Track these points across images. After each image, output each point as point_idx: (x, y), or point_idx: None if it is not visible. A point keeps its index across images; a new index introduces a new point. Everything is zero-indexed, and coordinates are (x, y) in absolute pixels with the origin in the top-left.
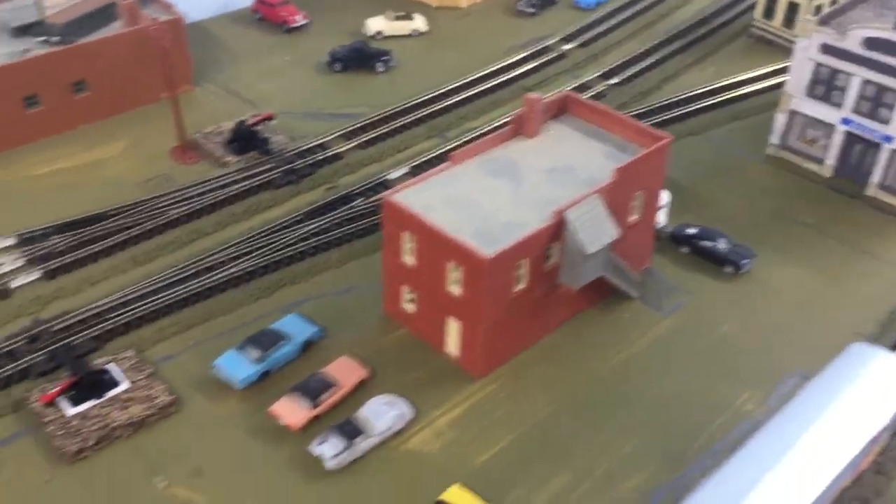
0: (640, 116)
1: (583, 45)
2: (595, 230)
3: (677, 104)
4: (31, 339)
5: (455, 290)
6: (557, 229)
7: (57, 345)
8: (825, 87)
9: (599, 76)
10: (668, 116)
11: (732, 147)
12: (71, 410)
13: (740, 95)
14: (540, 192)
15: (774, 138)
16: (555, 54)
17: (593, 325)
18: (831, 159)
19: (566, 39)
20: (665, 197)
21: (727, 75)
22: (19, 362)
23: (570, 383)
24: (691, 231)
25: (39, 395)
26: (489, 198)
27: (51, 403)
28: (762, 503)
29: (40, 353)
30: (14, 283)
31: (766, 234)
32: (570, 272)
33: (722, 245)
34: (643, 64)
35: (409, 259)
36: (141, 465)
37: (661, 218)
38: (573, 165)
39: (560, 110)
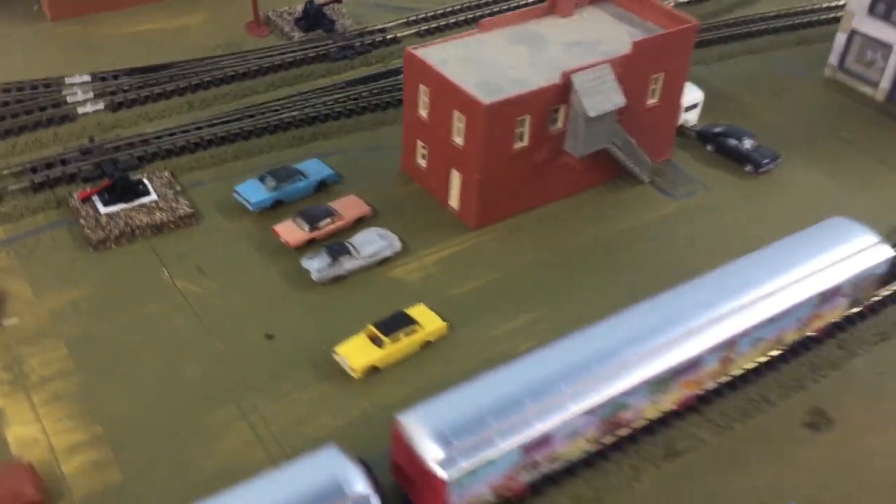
0: (704, 32)
1: None
2: (600, 96)
3: (744, 23)
4: (84, 151)
5: (458, 140)
6: (563, 91)
7: (104, 157)
8: (886, 4)
9: None
10: (728, 34)
11: (790, 68)
12: (103, 209)
13: (809, 22)
14: (557, 61)
15: (833, 59)
16: None
17: (598, 199)
18: (886, 83)
19: None
20: (698, 96)
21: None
22: (68, 166)
23: (563, 245)
24: (718, 129)
25: (78, 193)
26: (506, 60)
27: (87, 200)
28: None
29: (88, 162)
30: (81, 110)
31: (800, 144)
32: (574, 138)
33: (746, 144)
34: None
35: (423, 112)
36: (152, 260)
37: (692, 117)
38: (596, 41)
39: None
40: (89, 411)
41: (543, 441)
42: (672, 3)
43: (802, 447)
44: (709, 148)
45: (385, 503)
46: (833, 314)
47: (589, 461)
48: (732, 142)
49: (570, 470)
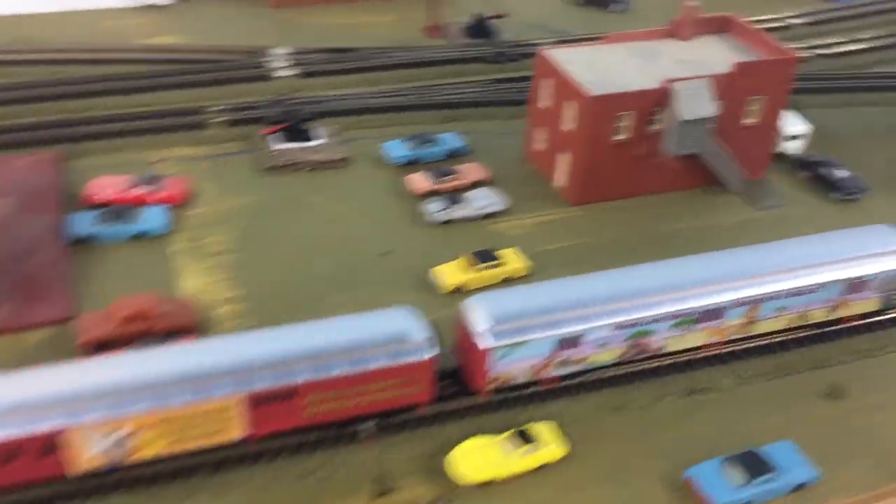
0: (834, 79)
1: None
2: (695, 103)
3: (876, 77)
4: (272, 103)
5: (568, 126)
6: (663, 96)
7: (286, 108)
8: None
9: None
10: (852, 85)
11: None
12: (277, 144)
13: None
14: (665, 73)
15: None
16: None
17: (688, 199)
18: None
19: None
20: (803, 128)
21: None
22: (257, 111)
23: (643, 229)
24: (814, 158)
25: (261, 129)
26: (621, 67)
27: (267, 136)
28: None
29: (274, 110)
30: (276, 74)
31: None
32: (668, 139)
33: (838, 173)
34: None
35: (544, 103)
36: (302, 187)
37: (795, 146)
38: (704, 62)
39: (721, 29)
40: (240, 278)
41: (573, 341)
42: (809, 52)
43: (815, 409)
44: (804, 174)
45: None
46: (863, 305)
47: (616, 380)
48: (825, 170)
49: (599, 384)
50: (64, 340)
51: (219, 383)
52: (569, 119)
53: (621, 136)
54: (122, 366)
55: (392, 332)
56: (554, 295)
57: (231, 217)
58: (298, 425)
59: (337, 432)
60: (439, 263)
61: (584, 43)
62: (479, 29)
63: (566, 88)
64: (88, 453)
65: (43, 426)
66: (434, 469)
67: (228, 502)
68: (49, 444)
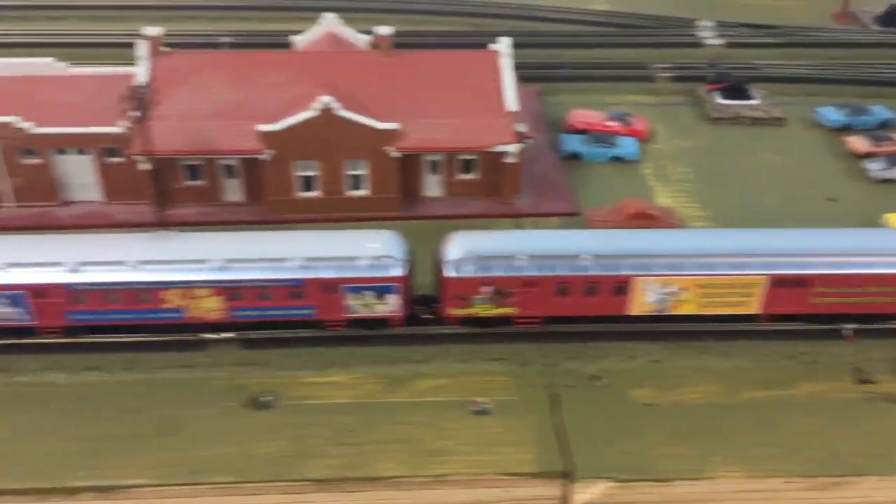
0: None
1: None
2: None
3: None
4: (709, 65)
5: None
6: None
7: (721, 70)
8: None
9: None
10: None
11: None
12: (721, 100)
13: None
14: None
15: None
16: None
17: None
18: None
19: None
20: None
21: None
22: (697, 71)
23: None
24: None
25: (705, 86)
26: None
27: (711, 92)
28: None
29: (711, 71)
30: (706, 42)
31: None
32: None
33: None
34: None
35: None
36: (744, 137)
37: None
38: None
39: None
40: (702, 202)
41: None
42: None
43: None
44: None
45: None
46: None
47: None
48: None
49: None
50: (574, 226)
51: (751, 263)
52: None
53: None
54: (674, 239)
55: (887, 247)
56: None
57: (684, 154)
58: (800, 312)
59: (822, 327)
60: (884, 214)
61: None
62: (893, 17)
63: None
64: (644, 299)
65: (620, 272)
66: None
67: (732, 363)
68: (621, 286)
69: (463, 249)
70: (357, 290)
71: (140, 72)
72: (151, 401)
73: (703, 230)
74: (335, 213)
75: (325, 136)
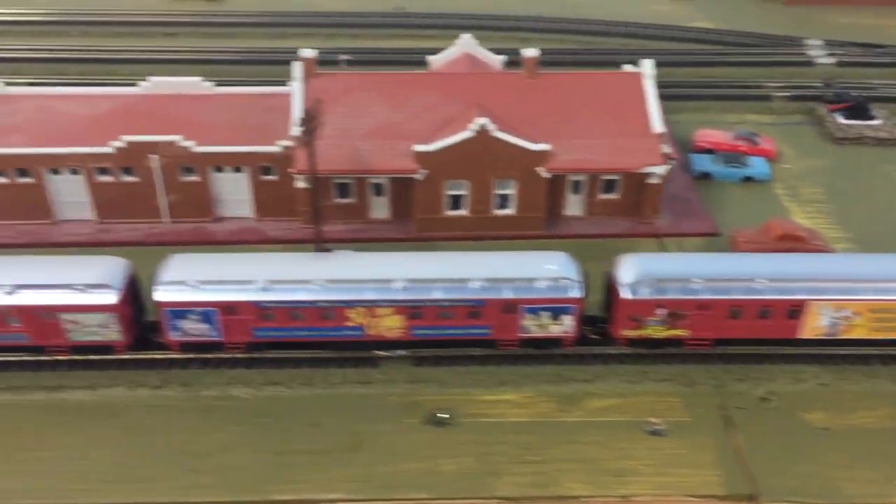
0: None
1: None
2: None
3: None
4: (825, 84)
5: None
6: None
7: (839, 90)
8: None
9: None
10: None
11: None
12: (843, 120)
13: None
14: None
15: None
16: None
17: None
18: None
19: None
20: None
21: None
22: (813, 90)
23: None
24: None
25: (826, 106)
26: None
27: (833, 112)
28: None
29: (828, 90)
30: (816, 61)
31: None
32: None
33: None
34: None
35: None
36: (872, 158)
37: None
38: None
39: None
40: (839, 222)
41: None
42: None
43: None
44: None
45: None
46: None
47: None
48: None
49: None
50: (715, 248)
51: None
52: None
53: None
54: (845, 263)
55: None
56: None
57: (814, 174)
58: None
59: None
60: None
61: None
62: None
63: None
64: (817, 323)
65: (795, 296)
66: None
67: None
68: (795, 310)
69: (638, 271)
70: (535, 311)
71: (294, 92)
72: (332, 416)
73: (872, 255)
74: (481, 231)
75: (478, 157)
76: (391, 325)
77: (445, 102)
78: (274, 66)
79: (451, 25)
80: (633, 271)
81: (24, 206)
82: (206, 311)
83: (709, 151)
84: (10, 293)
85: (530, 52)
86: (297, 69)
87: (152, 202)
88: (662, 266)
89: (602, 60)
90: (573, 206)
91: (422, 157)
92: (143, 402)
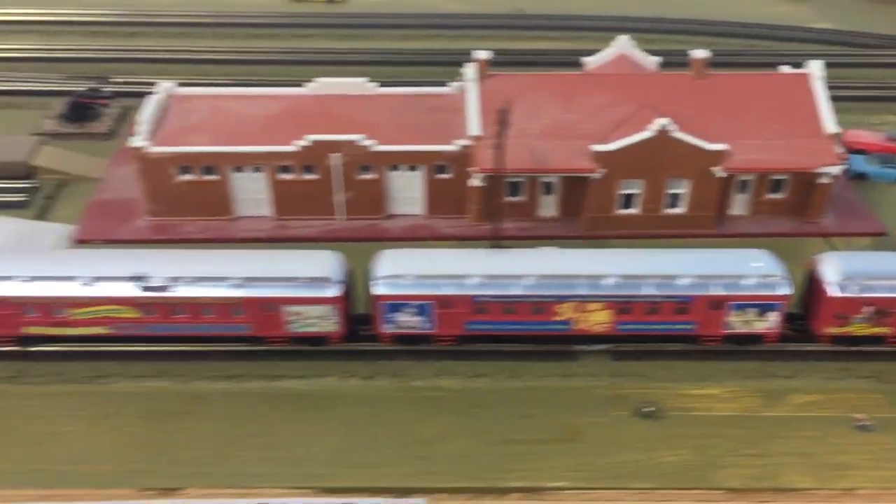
0: None
1: None
2: None
3: None
4: None
5: None
6: None
7: None
8: None
9: None
10: None
11: None
12: None
13: None
14: None
15: None
16: None
17: None
18: None
19: None
20: None
21: None
22: None
23: None
24: None
25: None
26: None
27: None
28: None
29: None
30: None
31: None
32: None
33: None
34: None
35: None
36: None
37: None
38: None
39: None
40: None
41: None
42: None
43: None
44: None
45: None
46: None
47: None
48: None
49: None
50: (884, 248)
51: None
52: None
53: None
54: None
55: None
56: None
57: None
58: None
59: None
60: None
61: None
62: None
63: None
64: None
65: None
66: None
67: None
68: None
69: (845, 269)
70: (741, 308)
71: (469, 92)
72: (541, 408)
73: None
74: (650, 230)
75: (655, 156)
76: (599, 320)
77: (617, 103)
78: (402, 67)
79: (571, 27)
80: (839, 269)
81: (207, 202)
82: (423, 305)
83: (860, 152)
84: (238, 286)
85: (699, 54)
86: (471, 70)
87: (328, 199)
88: (868, 264)
89: (731, 62)
90: (738, 205)
91: (600, 157)
92: (355, 391)
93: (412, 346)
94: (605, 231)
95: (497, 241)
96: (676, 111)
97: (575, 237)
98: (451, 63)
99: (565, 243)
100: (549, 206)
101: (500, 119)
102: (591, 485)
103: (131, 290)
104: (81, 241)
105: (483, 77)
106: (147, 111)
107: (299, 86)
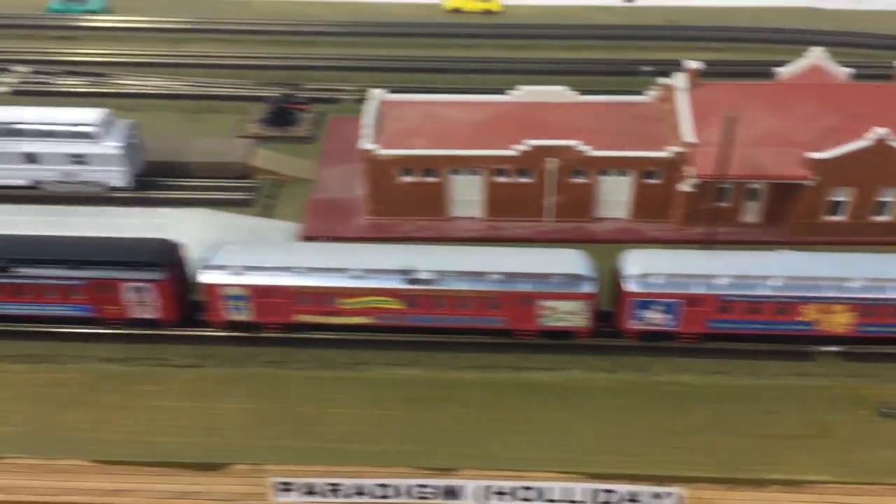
0: None
1: None
2: None
3: None
4: None
5: None
6: None
7: None
8: None
9: None
10: None
11: None
12: None
13: None
14: None
15: None
16: None
17: None
18: None
19: None
20: None
21: None
22: None
23: None
24: None
25: None
26: None
27: None
28: None
29: None
30: None
31: None
32: None
33: None
34: None
35: None
36: None
37: None
38: None
39: None
40: None
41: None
42: None
43: None
44: None
45: None
46: None
47: None
48: None
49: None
50: None
51: None
52: None
53: None
54: None
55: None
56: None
57: None
58: None
59: None
60: None
61: None
62: None
63: None
64: None
65: None
66: None
67: None
68: None
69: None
70: None
71: (679, 101)
72: (785, 404)
73: None
74: (855, 237)
75: (870, 165)
76: (842, 322)
77: (823, 112)
78: (570, 76)
79: (723, 38)
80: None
81: (424, 203)
82: (670, 303)
83: None
84: (499, 282)
85: None
86: (681, 79)
87: (538, 202)
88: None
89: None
90: None
91: (816, 165)
92: (600, 384)
93: (656, 343)
94: (809, 237)
95: (708, 245)
96: (880, 121)
97: (778, 243)
98: (615, 73)
99: (770, 248)
100: (752, 212)
101: (727, 127)
102: (852, 479)
103: (399, 283)
104: (307, 238)
105: (693, 86)
106: (369, 116)
107: (492, 94)
